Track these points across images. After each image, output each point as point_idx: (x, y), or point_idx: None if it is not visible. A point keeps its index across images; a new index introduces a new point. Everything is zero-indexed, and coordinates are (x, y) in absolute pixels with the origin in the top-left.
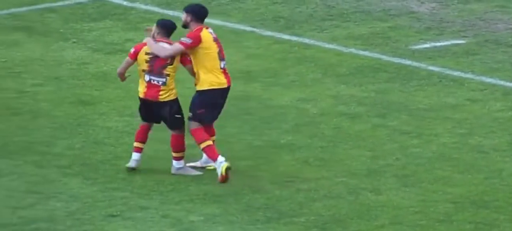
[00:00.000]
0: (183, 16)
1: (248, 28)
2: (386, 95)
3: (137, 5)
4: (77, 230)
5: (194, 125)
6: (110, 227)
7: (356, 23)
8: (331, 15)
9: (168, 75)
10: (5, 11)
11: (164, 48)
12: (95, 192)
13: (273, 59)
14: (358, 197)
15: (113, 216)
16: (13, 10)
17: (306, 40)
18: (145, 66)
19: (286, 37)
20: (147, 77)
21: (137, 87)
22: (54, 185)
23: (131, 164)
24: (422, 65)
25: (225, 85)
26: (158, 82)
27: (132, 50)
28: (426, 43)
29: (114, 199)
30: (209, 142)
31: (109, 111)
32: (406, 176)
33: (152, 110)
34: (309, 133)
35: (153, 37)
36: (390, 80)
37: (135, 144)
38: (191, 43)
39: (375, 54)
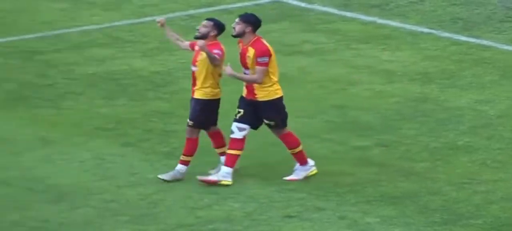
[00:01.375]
0: (237, 25)
1: (426, 30)
2: None
3: (315, 6)
4: None
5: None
6: (287, 228)
7: None
8: (510, 17)
9: None
10: (183, 13)
11: (255, 77)
12: (272, 193)
13: (450, 61)
14: None
15: (290, 217)
16: (191, 11)
17: (484, 42)
18: None
19: (464, 38)
20: None
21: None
22: (232, 186)
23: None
24: None
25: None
26: None
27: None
28: None
29: (291, 200)
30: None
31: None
32: None
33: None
34: (487, 134)
35: (206, 35)
36: None
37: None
38: (269, 59)
39: None
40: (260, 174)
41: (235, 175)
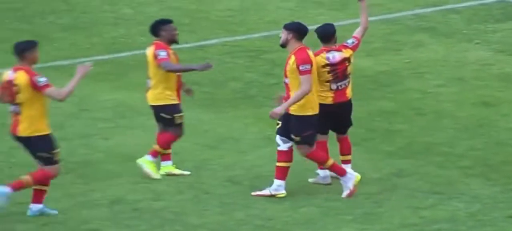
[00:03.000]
0: (282, 34)
1: None
2: None
3: None
4: None
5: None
6: (511, 228)
7: None
8: None
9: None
10: (409, 12)
11: (301, 89)
12: (496, 193)
13: None
14: None
15: None
16: (417, 11)
17: None
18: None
19: None
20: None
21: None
22: (455, 186)
23: None
24: None
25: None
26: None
27: None
28: None
29: None
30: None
31: (511, 113)
32: None
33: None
34: None
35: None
36: None
37: None
38: (311, 67)
39: None
40: (484, 174)
41: (461, 175)
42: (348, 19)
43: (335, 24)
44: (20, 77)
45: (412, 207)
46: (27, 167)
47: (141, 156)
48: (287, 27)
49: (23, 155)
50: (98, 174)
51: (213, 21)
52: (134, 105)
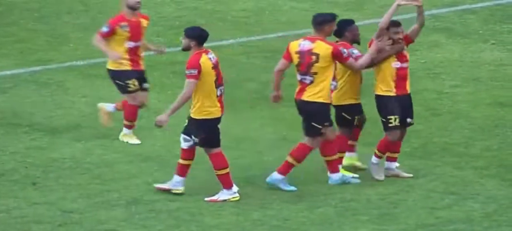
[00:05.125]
0: (183, 40)
1: None
2: None
3: None
4: None
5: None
6: None
7: None
8: None
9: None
10: (426, 12)
11: (183, 92)
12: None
13: None
14: None
15: None
16: (434, 11)
17: None
18: None
19: None
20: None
21: None
22: (471, 186)
23: None
24: None
25: None
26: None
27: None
28: None
29: None
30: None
31: None
32: None
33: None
34: None
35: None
36: None
37: None
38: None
39: None
40: (499, 175)
41: (476, 175)
42: (364, 19)
43: None
44: (319, 47)
45: (427, 207)
46: (42, 166)
47: (158, 156)
48: (188, 34)
49: (39, 155)
50: (115, 174)
51: (229, 21)
52: (151, 106)
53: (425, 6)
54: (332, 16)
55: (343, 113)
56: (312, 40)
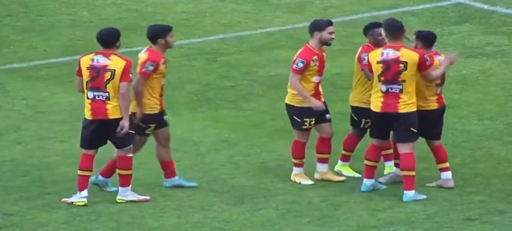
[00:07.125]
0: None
1: None
2: None
3: (498, 8)
4: None
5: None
6: None
7: None
8: None
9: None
10: (366, 14)
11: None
12: (453, 195)
13: None
14: None
15: (471, 219)
16: (374, 13)
17: None
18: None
19: None
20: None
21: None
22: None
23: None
24: None
25: None
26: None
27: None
28: None
29: (472, 203)
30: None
31: (469, 115)
32: None
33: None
34: None
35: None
36: None
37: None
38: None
39: None
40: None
41: (416, 177)
42: (305, 21)
43: (292, 27)
44: (407, 55)
45: (369, 209)
46: (47, 168)
47: (99, 158)
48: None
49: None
50: (55, 177)
51: (169, 24)
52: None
53: (365, 8)
54: (401, 23)
55: (352, 114)
56: (396, 48)
